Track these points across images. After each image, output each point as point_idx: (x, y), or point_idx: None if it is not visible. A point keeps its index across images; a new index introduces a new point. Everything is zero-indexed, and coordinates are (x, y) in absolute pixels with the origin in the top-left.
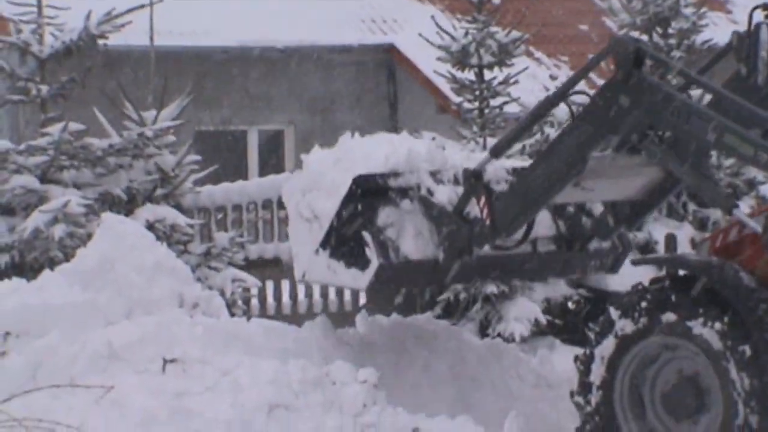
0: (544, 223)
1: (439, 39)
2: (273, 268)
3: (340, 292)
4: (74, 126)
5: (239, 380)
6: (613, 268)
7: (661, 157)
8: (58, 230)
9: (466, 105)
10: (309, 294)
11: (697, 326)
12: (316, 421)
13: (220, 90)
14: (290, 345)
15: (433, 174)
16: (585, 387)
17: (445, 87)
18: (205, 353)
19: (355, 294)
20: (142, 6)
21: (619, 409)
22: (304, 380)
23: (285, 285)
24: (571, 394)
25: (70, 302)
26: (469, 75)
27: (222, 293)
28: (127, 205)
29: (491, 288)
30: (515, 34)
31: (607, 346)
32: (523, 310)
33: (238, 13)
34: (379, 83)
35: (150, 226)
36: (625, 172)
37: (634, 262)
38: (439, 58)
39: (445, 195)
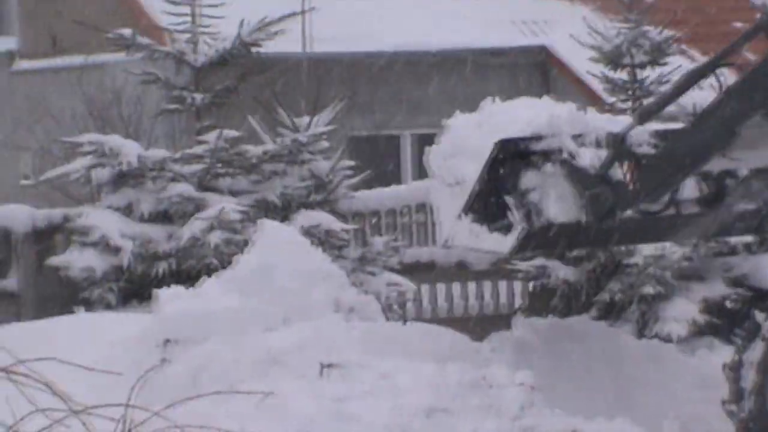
0: (688, 186)
1: (591, 39)
2: (428, 271)
3: (495, 295)
4: (229, 134)
5: (398, 384)
6: (759, 229)
7: None
8: (215, 237)
9: (620, 105)
10: (464, 296)
11: None
12: (475, 425)
13: (373, 95)
14: (447, 348)
15: (576, 137)
16: (737, 394)
17: (598, 87)
18: (362, 357)
19: (510, 296)
20: (295, 14)
21: None
22: (462, 383)
23: (440, 288)
24: (723, 403)
25: (229, 308)
26: (622, 75)
27: (378, 297)
28: (282, 211)
29: (648, 288)
30: (668, 32)
31: (756, 350)
32: (681, 311)
33: (390, 18)
34: (533, 85)
35: (305, 232)
36: None
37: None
38: (591, 59)
39: (588, 158)
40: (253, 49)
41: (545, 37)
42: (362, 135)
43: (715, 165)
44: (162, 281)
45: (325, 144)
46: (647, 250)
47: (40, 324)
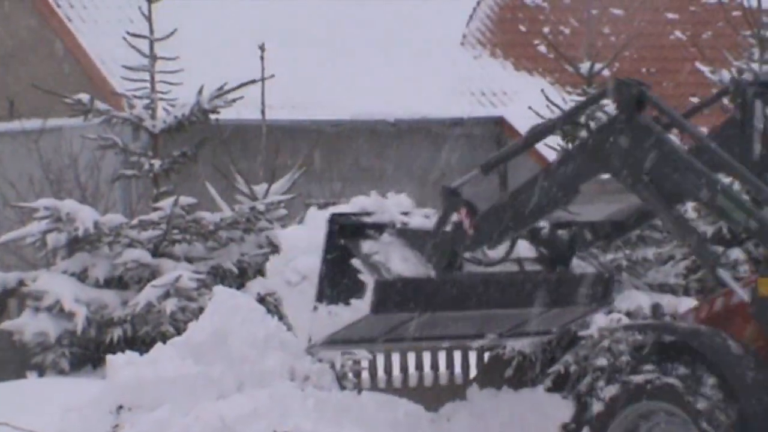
0: (524, 245)
1: (549, 112)
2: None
3: (450, 365)
4: (186, 200)
5: None
6: (605, 297)
7: (653, 203)
8: (170, 304)
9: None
10: (419, 366)
11: (686, 392)
12: None
13: (331, 163)
14: (402, 418)
15: (404, 213)
16: None
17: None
18: (316, 426)
19: (465, 367)
20: (254, 81)
21: None
22: None
23: (395, 358)
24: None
25: (183, 375)
26: None
27: (332, 366)
28: (238, 278)
29: (601, 360)
30: None
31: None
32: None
33: (349, 87)
34: (489, 155)
35: (261, 300)
36: (612, 199)
37: (626, 328)
38: None
39: (420, 222)
40: (212, 116)
41: (504, 108)
42: (320, 203)
43: (553, 217)
44: (116, 347)
45: (283, 212)
46: (602, 321)
47: None
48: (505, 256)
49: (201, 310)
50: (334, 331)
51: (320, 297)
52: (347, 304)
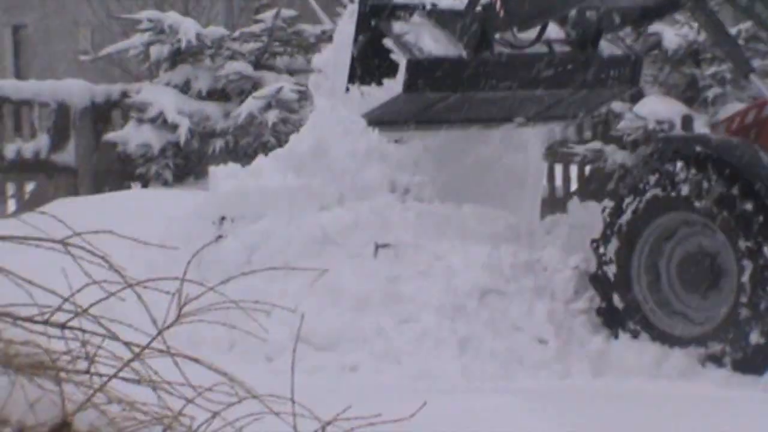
0: (552, 27)
1: None
2: None
3: (550, 179)
4: (286, 12)
5: (451, 265)
6: (633, 79)
7: (710, 27)
8: (272, 116)
9: None
10: None
11: (716, 205)
12: (528, 307)
13: None
14: (502, 230)
15: None
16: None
17: None
18: (417, 238)
19: (566, 180)
20: None
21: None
22: (516, 265)
23: None
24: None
25: (285, 187)
26: None
27: None
28: None
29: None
30: None
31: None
32: None
33: None
34: None
35: None
36: None
37: (661, 140)
38: None
39: (450, 3)
40: None
41: None
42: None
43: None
44: (218, 158)
45: None
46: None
47: (97, 199)
48: (536, 39)
49: (302, 122)
50: (366, 111)
51: (352, 78)
52: (379, 84)
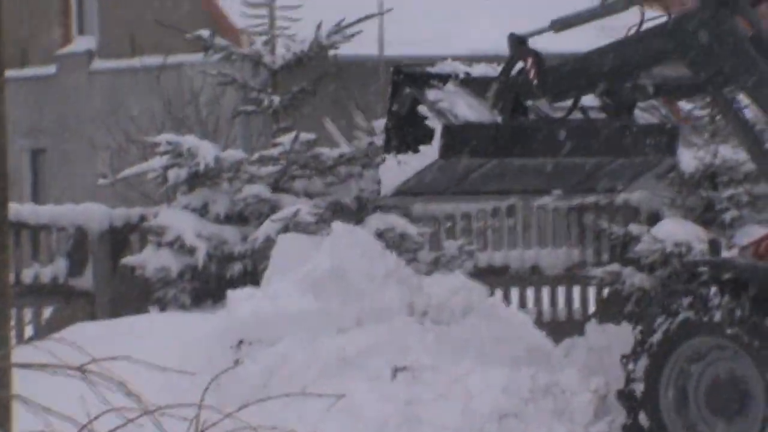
0: (587, 96)
1: None
2: (501, 275)
3: (569, 301)
4: (305, 136)
5: (470, 388)
6: (670, 148)
7: (729, 113)
8: None
9: (696, 113)
10: (538, 302)
11: (743, 330)
12: (546, 430)
13: None
14: (521, 352)
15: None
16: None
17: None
18: (435, 361)
19: (583, 302)
20: (372, 16)
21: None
22: (535, 388)
23: (514, 293)
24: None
25: (303, 310)
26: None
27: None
28: (356, 214)
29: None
30: None
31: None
32: None
33: (467, 22)
34: None
35: (379, 235)
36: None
37: (685, 265)
38: None
39: (482, 71)
40: (330, 52)
41: None
42: None
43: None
44: (236, 282)
45: None
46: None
47: (115, 323)
48: (572, 107)
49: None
50: (403, 180)
51: (387, 147)
52: (416, 151)
